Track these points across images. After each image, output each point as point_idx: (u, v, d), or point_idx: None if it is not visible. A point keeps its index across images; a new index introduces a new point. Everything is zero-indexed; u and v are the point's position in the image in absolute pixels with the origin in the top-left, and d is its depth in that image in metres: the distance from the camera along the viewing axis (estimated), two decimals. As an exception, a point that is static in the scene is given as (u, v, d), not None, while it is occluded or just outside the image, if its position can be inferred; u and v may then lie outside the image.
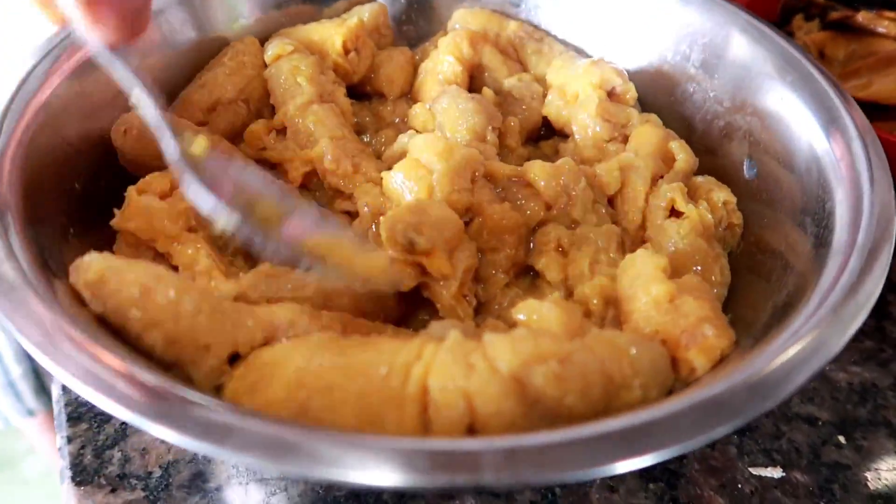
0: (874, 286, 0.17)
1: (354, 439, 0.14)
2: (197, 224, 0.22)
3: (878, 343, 0.26)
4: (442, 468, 0.14)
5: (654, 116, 0.27)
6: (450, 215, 0.21)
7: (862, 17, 0.33)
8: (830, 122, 0.22)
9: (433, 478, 0.14)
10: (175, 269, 0.22)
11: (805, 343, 0.16)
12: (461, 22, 0.30)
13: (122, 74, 0.19)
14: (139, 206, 0.22)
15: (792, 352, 0.16)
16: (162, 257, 0.22)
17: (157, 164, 0.23)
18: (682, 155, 0.24)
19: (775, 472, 0.22)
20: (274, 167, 0.25)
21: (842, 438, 0.23)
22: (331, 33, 0.27)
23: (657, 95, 0.28)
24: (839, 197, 0.20)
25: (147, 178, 0.23)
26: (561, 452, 0.14)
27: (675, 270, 0.20)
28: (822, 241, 0.20)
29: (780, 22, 0.35)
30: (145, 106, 0.19)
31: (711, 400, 0.15)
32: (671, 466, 0.22)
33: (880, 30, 0.32)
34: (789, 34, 0.34)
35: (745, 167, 0.25)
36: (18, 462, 1.11)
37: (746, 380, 0.15)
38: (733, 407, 0.15)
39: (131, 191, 0.22)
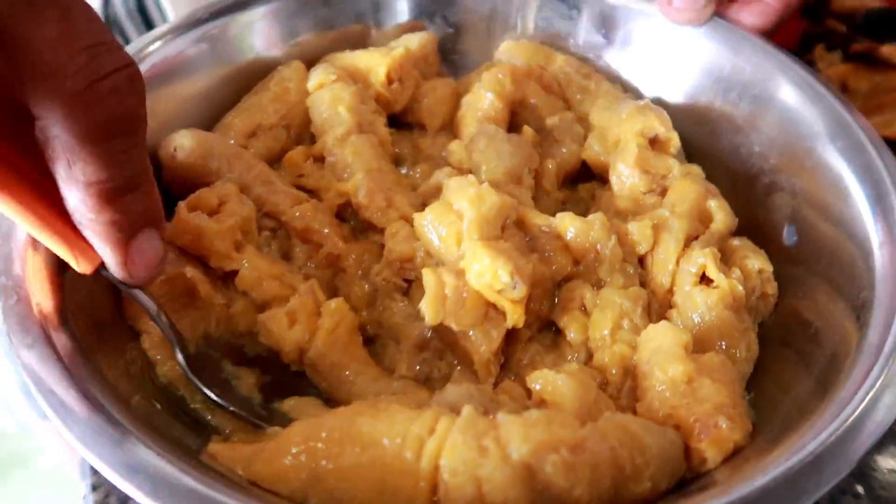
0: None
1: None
2: (244, 239, 0.24)
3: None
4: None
5: (696, 168, 0.27)
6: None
7: (886, 49, 0.33)
8: (877, 202, 0.22)
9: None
10: (223, 278, 0.23)
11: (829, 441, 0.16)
12: (507, 54, 0.30)
13: (144, 301, 0.21)
14: (189, 223, 0.23)
15: (814, 448, 0.16)
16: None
17: (203, 182, 0.25)
18: (721, 216, 0.24)
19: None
20: (311, 193, 0.26)
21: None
22: (376, 62, 0.28)
23: (703, 143, 0.28)
24: (878, 291, 0.20)
25: (197, 193, 0.24)
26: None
27: (699, 344, 0.21)
28: (860, 325, 0.20)
29: (801, 51, 0.35)
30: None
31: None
32: None
33: None
34: (810, 63, 0.34)
35: (785, 232, 0.25)
36: (30, 460, 1.16)
37: (763, 485, 0.16)
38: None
39: (181, 207, 0.23)
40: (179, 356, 0.21)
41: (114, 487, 0.23)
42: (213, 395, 0.21)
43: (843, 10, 0.35)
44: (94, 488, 0.25)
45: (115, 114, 0.19)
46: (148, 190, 0.20)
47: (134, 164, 0.20)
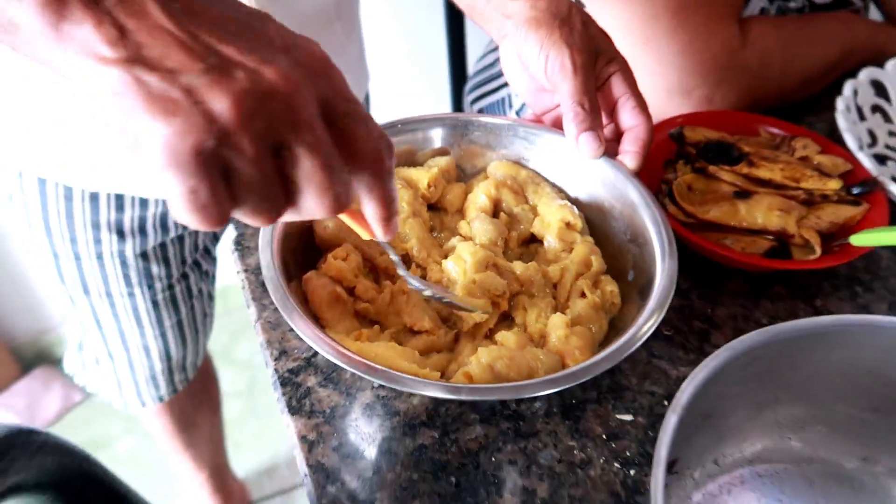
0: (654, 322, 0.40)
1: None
2: (358, 272, 0.47)
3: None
4: (450, 391, 0.37)
5: (589, 239, 0.49)
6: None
7: (712, 168, 0.57)
8: (662, 251, 0.45)
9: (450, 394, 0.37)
10: (350, 290, 0.46)
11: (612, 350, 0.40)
12: (493, 170, 0.52)
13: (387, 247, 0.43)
14: (333, 264, 0.46)
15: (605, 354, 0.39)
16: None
17: (337, 243, 0.48)
18: (596, 263, 0.47)
19: (628, 417, 0.47)
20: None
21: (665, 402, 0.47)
22: (421, 176, 0.51)
23: (597, 223, 0.51)
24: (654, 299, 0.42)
25: (335, 250, 0.47)
26: (504, 390, 0.38)
27: (575, 324, 0.43)
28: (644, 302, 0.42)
29: (670, 163, 0.59)
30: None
31: (571, 373, 0.39)
32: (577, 413, 0.47)
33: (721, 176, 0.56)
34: (675, 170, 0.58)
35: (630, 273, 0.47)
36: (113, 442, 1.40)
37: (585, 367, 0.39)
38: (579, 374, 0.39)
39: (329, 257, 0.46)
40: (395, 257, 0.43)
41: (294, 392, 0.46)
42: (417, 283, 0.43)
43: (694, 140, 0.58)
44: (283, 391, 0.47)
45: (391, 169, 0.32)
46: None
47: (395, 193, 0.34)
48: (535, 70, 0.49)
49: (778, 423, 0.39)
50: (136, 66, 0.25)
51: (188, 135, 0.25)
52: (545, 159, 0.53)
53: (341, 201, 0.30)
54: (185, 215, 0.27)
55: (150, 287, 0.79)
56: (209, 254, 0.88)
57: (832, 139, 0.61)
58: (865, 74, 0.68)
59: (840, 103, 0.63)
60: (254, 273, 0.53)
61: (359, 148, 0.30)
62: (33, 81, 0.60)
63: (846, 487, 0.40)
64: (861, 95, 0.67)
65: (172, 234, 0.76)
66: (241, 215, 0.29)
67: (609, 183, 0.49)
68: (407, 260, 0.49)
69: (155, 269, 0.78)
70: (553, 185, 0.53)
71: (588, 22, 0.50)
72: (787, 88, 0.70)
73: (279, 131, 0.27)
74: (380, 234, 0.34)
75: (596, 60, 0.49)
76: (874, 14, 0.90)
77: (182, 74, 0.25)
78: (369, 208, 0.33)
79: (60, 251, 0.74)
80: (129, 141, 0.25)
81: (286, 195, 0.29)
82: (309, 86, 0.28)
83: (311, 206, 0.30)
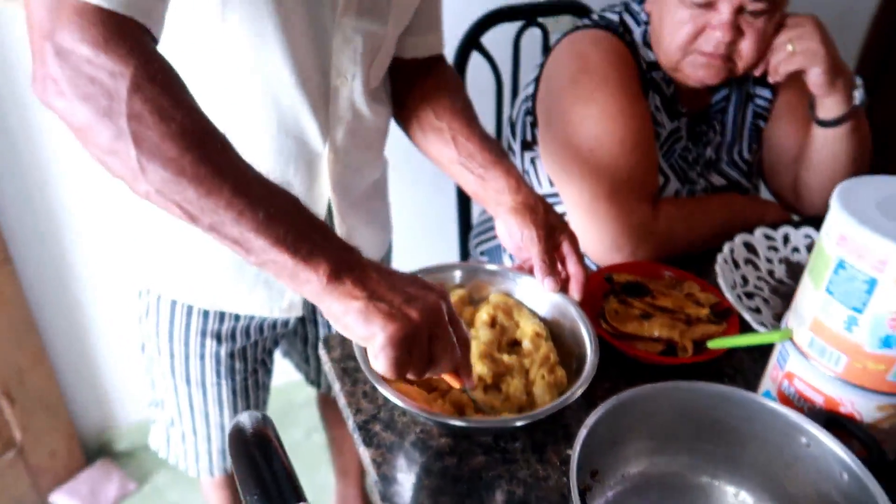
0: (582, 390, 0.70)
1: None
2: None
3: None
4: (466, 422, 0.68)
5: (550, 343, 0.78)
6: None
7: (628, 300, 0.88)
8: (592, 349, 0.76)
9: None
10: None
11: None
12: (492, 298, 0.80)
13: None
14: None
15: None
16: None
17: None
18: (553, 358, 0.75)
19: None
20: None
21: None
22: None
23: (554, 332, 0.80)
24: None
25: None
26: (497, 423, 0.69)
27: (538, 393, 0.74)
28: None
29: (605, 296, 0.90)
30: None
31: (531, 415, 0.68)
32: (542, 449, 0.75)
33: (634, 304, 0.88)
34: (607, 301, 0.89)
35: (573, 363, 0.78)
36: (297, 412, 1.68)
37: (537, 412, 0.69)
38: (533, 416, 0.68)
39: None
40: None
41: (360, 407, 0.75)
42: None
43: (619, 281, 0.90)
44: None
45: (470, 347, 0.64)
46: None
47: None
48: (517, 239, 0.82)
49: (652, 449, 0.68)
50: (373, 299, 0.56)
51: (398, 331, 0.54)
52: (524, 292, 0.84)
53: (453, 364, 0.61)
54: (387, 369, 0.55)
55: (233, 379, 1.08)
56: (271, 356, 1.17)
57: (713, 281, 0.93)
58: (739, 238, 1.01)
59: (719, 258, 0.96)
60: (337, 361, 0.83)
61: (459, 336, 0.61)
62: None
63: (696, 493, 0.69)
64: (736, 252, 1.00)
65: (251, 339, 1.05)
66: (410, 370, 0.58)
67: (561, 307, 0.81)
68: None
69: (238, 365, 1.07)
70: (529, 309, 0.84)
71: (548, 209, 0.83)
72: (687, 247, 1.03)
73: (433, 328, 0.57)
74: (468, 384, 0.65)
75: (552, 233, 0.82)
76: (765, 193, 1.26)
77: (393, 303, 0.56)
78: (463, 371, 0.64)
79: (176, 352, 1.03)
80: (360, 330, 0.55)
81: (431, 360, 0.59)
82: (443, 307, 0.58)
83: (440, 367, 0.60)
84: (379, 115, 0.88)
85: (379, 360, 0.55)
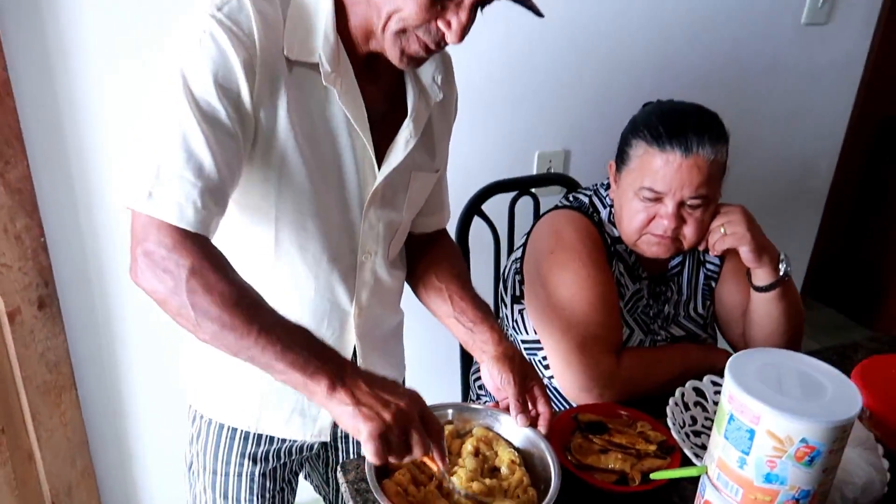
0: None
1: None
2: (409, 482, 0.96)
3: None
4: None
5: (523, 469, 0.96)
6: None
7: (590, 436, 1.08)
8: (556, 476, 0.96)
9: None
10: (405, 489, 0.95)
11: None
12: (475, 432, 1.01)
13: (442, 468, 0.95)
14: (397, 477, 0.95)
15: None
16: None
17: (400, 467, 0.97)
18: (525, 481, 0.94)
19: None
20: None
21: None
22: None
23: (527, 460, 1.00)
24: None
25: (399, 471, 0.96)
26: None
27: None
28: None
29: (572, 433, 1.10)
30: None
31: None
32: None
33: (595, 441, 1.07)
34: (573, 437, 1.09)
35: (541, 486, 0.98)
36: None
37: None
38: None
39: (397, 473, 0.96)
40: (445, 474, 0.92)
41: None
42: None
43: (584, 420, 1.11)
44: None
45: (443, 438, 0.87)
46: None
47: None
48: (497, 382, 1.03)
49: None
50: (359, 405, 0.79)
51: (376, 428, 0.73)
52: (502, 426, 1.05)
53: (426, 451, 0.78)
54: (372, 456, 0.73)
55: (264, 497, 1.27)
56: (296, 478, 1.36)
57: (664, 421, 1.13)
58: (689, 384, 1.22)
59: (670, 401, 1.16)
60: (352, 483, 1.03)
61: (431, 429, 0.78)
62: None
63: None
64: (686, 395, 1.20)
65: (282, 461, 1.25)
66: (392, 455, 0.77)
67: (532, 439, 1.01)
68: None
69: (269, 484, 1.26)
70: (506, 440, 1.04)
71: (522, 359, 1.05)
72: (646, 391, 1.24)
73: (405, 423, 0.76)
74: (441, 467, 0.85)
75: (525, 379, 1.03)
76: (722, 342, 1.47)
77: (374, 407, 0.78)
78: (436, 454, 0.82)
79: (218, 470, 1.23)
80: (351, 427, 0.78)
81: (407, 449, 0.79)
82: (415, 408, 0.77)
83: (416, 453, 0.78)
84: (396, 278, 1.11)
85: (366, 449, 0.75)
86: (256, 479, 1.23)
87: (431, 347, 1.82)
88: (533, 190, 1.72)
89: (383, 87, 0.93)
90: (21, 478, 1.58)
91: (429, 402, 0.90)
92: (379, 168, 0.94)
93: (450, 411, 1.05)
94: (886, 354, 1.25)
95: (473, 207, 1.64)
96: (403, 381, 1.35)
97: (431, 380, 1.68)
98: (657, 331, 1.37)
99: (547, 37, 1.79)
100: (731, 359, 0.86)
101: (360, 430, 0.75)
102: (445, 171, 1.15)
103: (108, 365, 1.68)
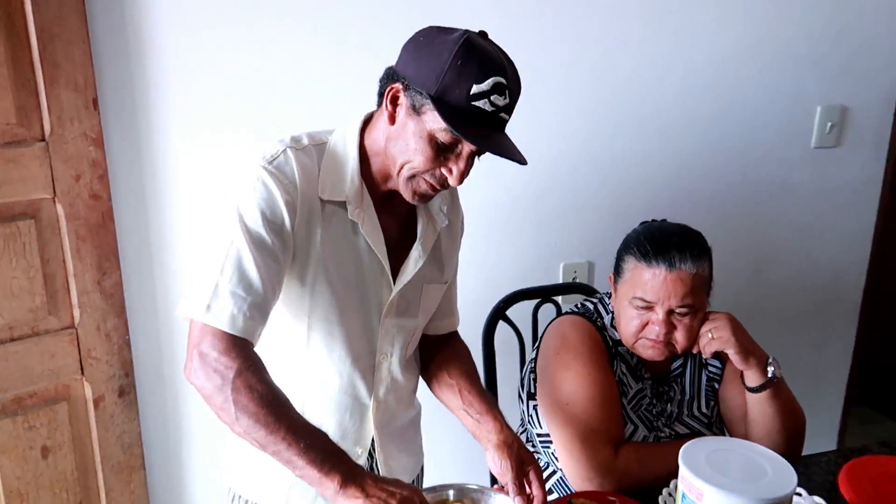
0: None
1: None
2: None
3: None
4: None
5: None
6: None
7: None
8: None
9: None
10: None
11: None
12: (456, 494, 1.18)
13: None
14: None
15: None
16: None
17: None
18: None
19: None
20: None
21: None
22: (446, 511, 1.17)
23: None
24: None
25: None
26: None
27: None
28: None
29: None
30: None
31: None
32: None
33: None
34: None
35: None
36: None
37: None
38: None
39: None
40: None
41: None
42: None
43: (577, 503, 1.23)
44: None
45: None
46: None
47: None
48: (498, 466, 1.17)
49: None
50: (368, 497, 0.87)
51: None
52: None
53: None
54: None
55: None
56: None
57: (655, 510, 1.23)
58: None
59: (664, 491, 1.27)
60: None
61: None
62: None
63: None
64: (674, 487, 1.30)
65: None
66: None
67: None
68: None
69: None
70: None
71: (521, 446, 1.20)
72: (643, 483, 1.34)
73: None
74: None
75: (523, 464, 1.17)
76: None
77: (380, 497, 0.86)
78: None
79: None
80: None
81: None
82: (417, 496, 0.89)
83: None
84: (409, 377, 1.26)
85: None
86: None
87: (449, 436, 1.97)
88: (556, 298, 1.90)
89: (398, 217, 1.13)
90: (92, 551, 1.77)
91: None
92: (394, 283, 1.14)
93: (451, 492, 1.19)
94: (876, 455, 1.33)
95: (499, 313, 1.83)
96: (422, 468, 1.50)
97: (450, 466, 1.81)
98: (661, 428, 1.49)
99: (568, 158, 2.03)
100: (685, 444, 0.99)
101: None
102: (455, 282, 1.34)
103: (174, 450, 1.89)
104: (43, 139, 1.47)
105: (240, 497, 1.26)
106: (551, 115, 1.97)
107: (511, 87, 0.93)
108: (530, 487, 1.16)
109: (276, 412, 0.90)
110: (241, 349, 0.93)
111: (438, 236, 1.18)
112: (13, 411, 1.58)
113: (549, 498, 1.16)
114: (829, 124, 2.21)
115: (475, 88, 0.90)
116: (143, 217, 1.66)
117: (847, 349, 2.61)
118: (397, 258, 1.13)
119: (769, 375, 1.37)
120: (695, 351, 1.41)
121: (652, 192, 2.09)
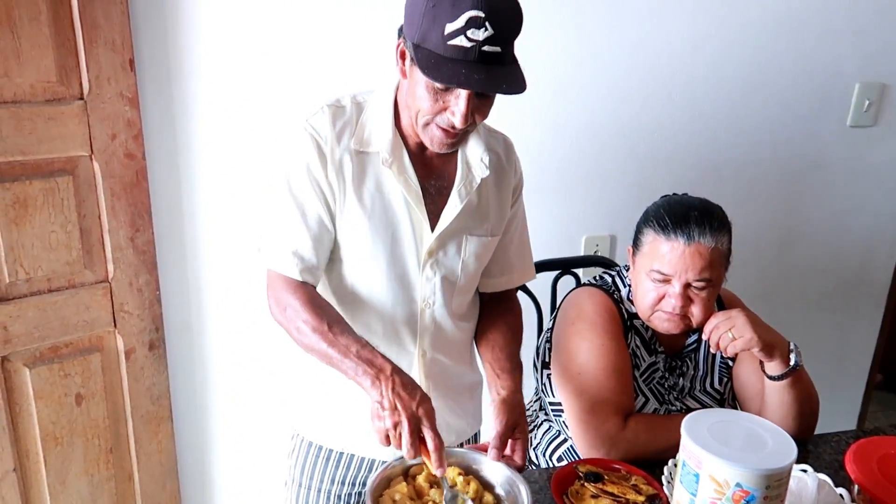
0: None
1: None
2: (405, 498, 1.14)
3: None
4: None
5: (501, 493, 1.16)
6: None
7: (586, 484, 1.23)
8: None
9: None
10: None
11: None
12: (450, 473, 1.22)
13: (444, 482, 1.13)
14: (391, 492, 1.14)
15: None
16: None
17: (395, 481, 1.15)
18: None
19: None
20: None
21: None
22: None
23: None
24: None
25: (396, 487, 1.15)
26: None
27: None
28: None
29: (576, 479, 1.25)
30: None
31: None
32: None
33: (589, 488, 1.22)
34: (573, 483, 1.24)
35: None
36: None
37: None
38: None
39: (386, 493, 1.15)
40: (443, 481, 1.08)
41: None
42: None
43: (583, 471, 1.26)
44: None
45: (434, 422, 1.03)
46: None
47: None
48: (492, 420, 1.20)
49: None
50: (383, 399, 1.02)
51: (382, 425, 1.00)
52: (485, 466, 1.22)
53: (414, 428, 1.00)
54: (382, 444, 1.01)
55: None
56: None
57: (657, 476, 1.26)
58: (691, 449, 1.34)
59: (670, 462, 1.29)
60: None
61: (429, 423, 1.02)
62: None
63: None
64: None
65: (355, 489, 1.44)
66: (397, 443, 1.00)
67: (512, 482, 1.18)
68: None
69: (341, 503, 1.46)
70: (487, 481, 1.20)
71: (521, 413, 1.21)
72: (651, 454, 1.37)
73: (418, 420, 1.00)
74: (440, 471, 1.04)
75: (514, 427, 1.20)
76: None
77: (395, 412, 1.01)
78: (437, 458, 1.03)
79: (303, 484, 1.44)
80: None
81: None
82: (429, 402, 1.03)
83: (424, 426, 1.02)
84: (463, 330, 1.31)
85: (378, 439, 1.02)
86: (332, 497, 1.43)
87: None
88: (577, 270, 1.91)
89: (436, 168, 1.20)
90: (121, 494, 1.86)
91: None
92: (433, 231, 1.19)
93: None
94: (885, 437, 1.33)
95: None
96: (477, 435, 1.48)
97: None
98: (672, 402, 1.51)
99: (594, 129, 2.02)
100: (688, 415, 1.01)
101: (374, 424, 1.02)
102: (513, 240, 1.35)
103: (200, 404, 1.97)
104: (81, 98, 1.51)
105: (299, 436, 1.40)
106: (580, 85, 1.96)
107: (491, 18, 0.90)
108: (512, 452, 1.19)
109: (333, 328, 1.10)
110: (305, 290, 1.14)
111: (480, 187, 1.21)
112: (50, 359, 1.66)
113: (560, 464, 1.19)
114: (867, 102, 2.16)
115: (448, 27, 0.92)
116: (175, 177, 1.71)
117: (872, 333, 2.58)
118: (438, 207, 1.19)
119: (791, 364, 1.36)
120: (713, 351, 1.41)
121: (679, 165, 2.08)
